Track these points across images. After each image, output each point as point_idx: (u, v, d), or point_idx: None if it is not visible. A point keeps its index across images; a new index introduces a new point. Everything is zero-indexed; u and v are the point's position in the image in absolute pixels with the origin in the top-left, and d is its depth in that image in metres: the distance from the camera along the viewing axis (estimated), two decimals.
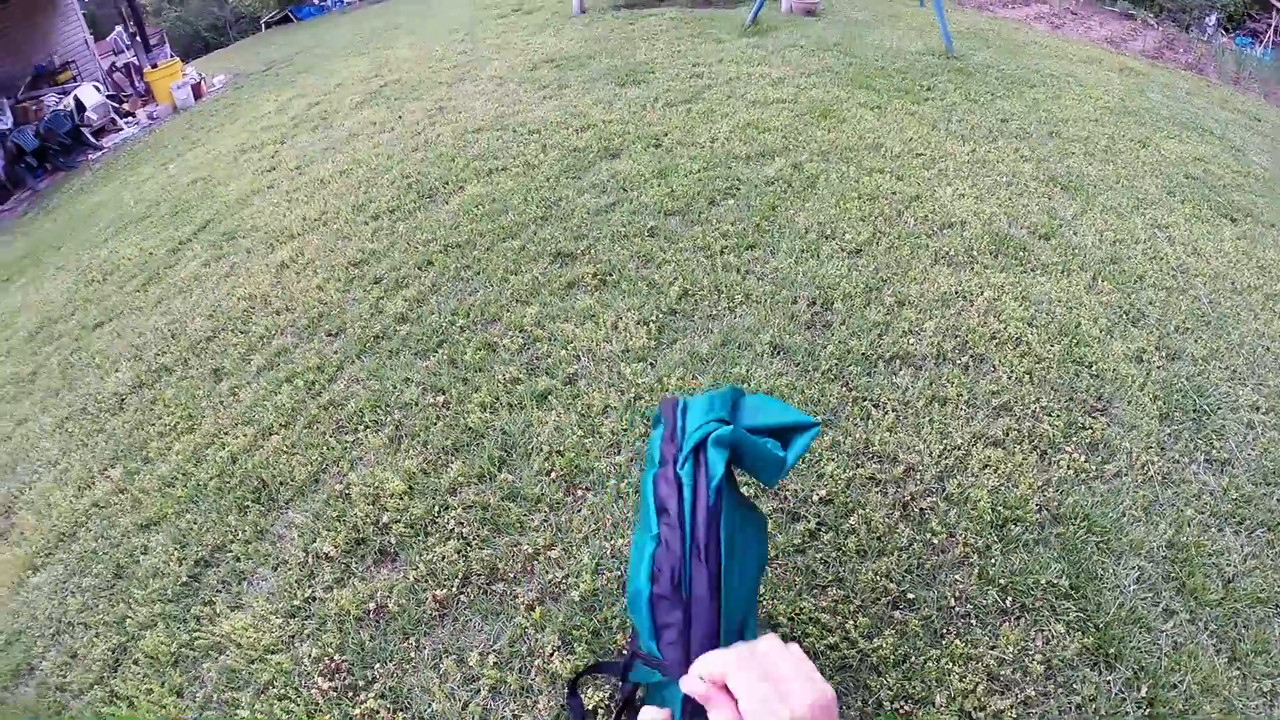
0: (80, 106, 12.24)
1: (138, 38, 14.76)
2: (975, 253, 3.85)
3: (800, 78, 6.31)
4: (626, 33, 8.39)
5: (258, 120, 8.57)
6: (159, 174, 8.25)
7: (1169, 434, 2.92)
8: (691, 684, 0.78)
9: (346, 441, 3.17)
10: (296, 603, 2.65)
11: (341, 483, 2.98)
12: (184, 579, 2.92)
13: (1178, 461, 2.81)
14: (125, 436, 3.87)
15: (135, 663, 2.71)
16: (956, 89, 6.42)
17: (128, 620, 2.87)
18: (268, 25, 25.89)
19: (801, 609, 2.22)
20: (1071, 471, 2.68)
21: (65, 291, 6.19)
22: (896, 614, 2.21)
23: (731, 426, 1.24)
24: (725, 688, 0.76)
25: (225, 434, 3.50)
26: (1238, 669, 2.16)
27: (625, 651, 1.69)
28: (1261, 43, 12.26)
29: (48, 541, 3.47)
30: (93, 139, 12.11)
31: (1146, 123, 6.49)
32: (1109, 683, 2.08)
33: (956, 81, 6.65)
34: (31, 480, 3.97)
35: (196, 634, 2.70)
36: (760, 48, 7.42)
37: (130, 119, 12.88)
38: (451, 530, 2.66)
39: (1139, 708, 2.03)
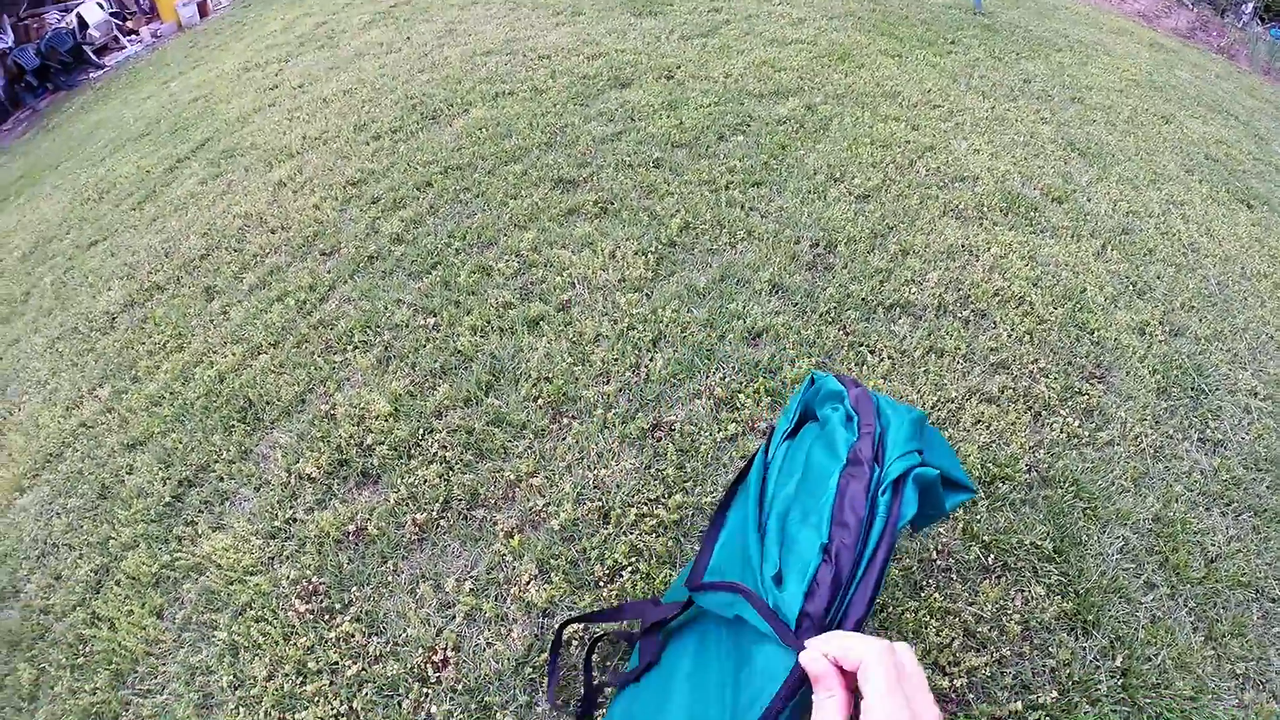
0: (83, 24, 11.97)
1: None
2: (985, 209, 3.77)
3: (821, 19, 6.14)
4: None
5: (263, 39, 8.38)
6: (160, 92, 8.10)
7: (1165, 409, 2.90)
8: (814, 658, 0.76)
9: (335, 361, 3.12)
10: (277, 524, 2.63)
11: (328, 403, 2.94)
12: (167, 499, 2.90)
13: (1171, 437, 2.79)
14: (115, 355, 3.82)
15: (117, 584, 2.71)
16: (981, 45, 6.26)
17: (111, 541, 2.86)
18: None
19: None
20: (1064, 435, 2.66)
21: (61, 211, 6.11)
22: None
23: (936, 471, 1.15)
24: (842, 671, 0.74)
25: (214, 353, 3.45)
26: (1213, 649, 2.16)
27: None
28: None
29: (35, 463, 3.44)
30: (95, 57, 11.87)
31: (1172, 99, 6.37)
32: (1085, 649, 2.08)
33: (982, 38, 6.49)
34: (21, 401, 3.93)
35: (178, 555, 2.69)
36: None
37: (134, 37, 12.62)
38: (435, 454, 2.62)
39: (1112, 676, 2.03)
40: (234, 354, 3.36)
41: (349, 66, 6.33)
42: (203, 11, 12.41)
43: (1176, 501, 2.52)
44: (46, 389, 3.90)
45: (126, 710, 2.35)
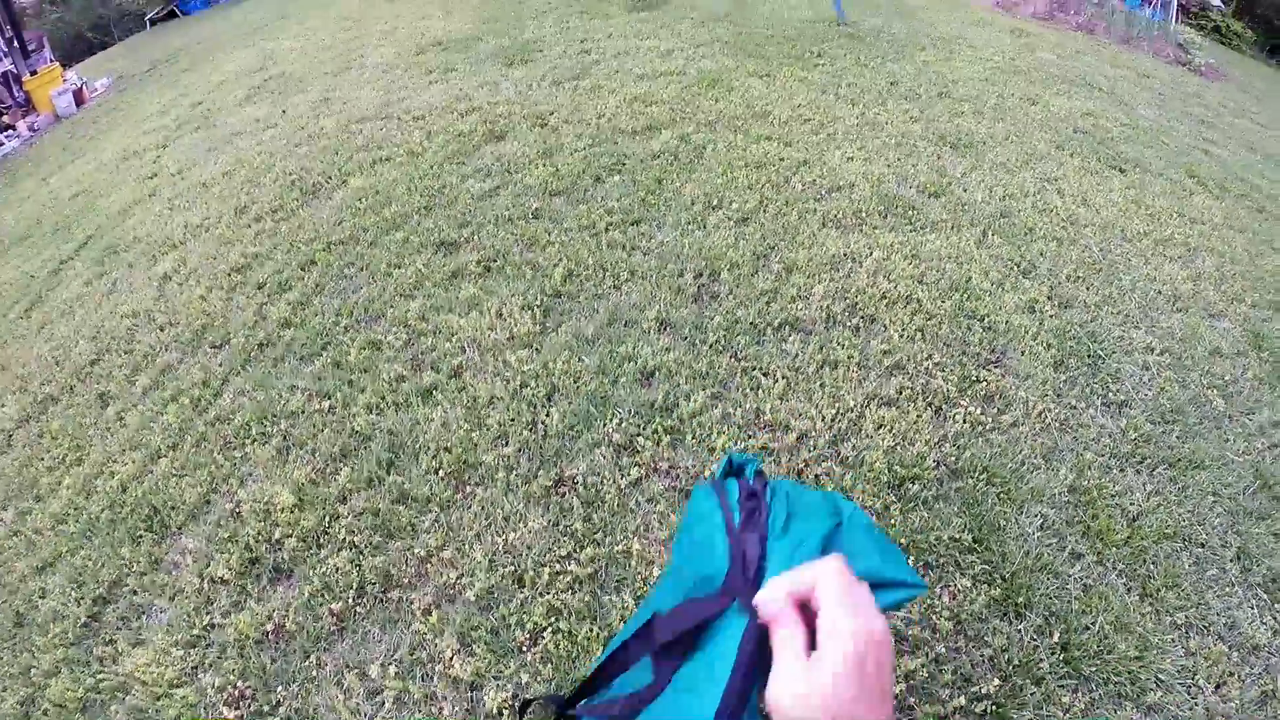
0: None
1: (15, 43, 13.99)
2: (864, 214, 3.89)
3: (689, 49, 6.30)
4: (516, 11, 8.26)
5: (140, 124, 8.23)
6: (39, 190, 7.88)
7: (1064, 380, 2.99)
8: (770, 598, 0.72)
9: (235, 457, 3.08)
10: (196, 632, 2.58)
11: (232, 501, 2.91)
12: (84, 620, 2.83)
13: (1075, 407, 2.88)
14: (15, 475, 3.71)
15: (44, 714, 2.63)
16: (847, 54, 6.47)
17: (32, 670, 2.78)
18: (153, 22, 24.79)
19: None
20: (968, 425, 2.72)
21: None
22: None
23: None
24: (801, 607, 0.71)
25: (114, 461, 3.38)
26: (1150, 605, 2.21)
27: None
28: (1151, 4, 12.57)
29: None
30: None
31: (1036, 81, 6.65)
32: (1020, 631, 2.12)
33: (847, 47, 6.70)
34: None
35: (101, 676, 2.62)
36: (649, 21, 7.38)
37: (10, 132, 12.22)
38: (344, 540, 2.61)
39: (1052, 653, 2.07)
40: (134, 461, 3.30)
41: (227, 147, 6.26)
42: (79, 100, 12.11)
43: (1089, 469, 2.60)
44: None
45: None
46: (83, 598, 2.89)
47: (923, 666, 2.02)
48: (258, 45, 10.60)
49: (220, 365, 3.60)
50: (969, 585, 2.21)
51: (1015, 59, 7.24)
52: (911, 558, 2.28)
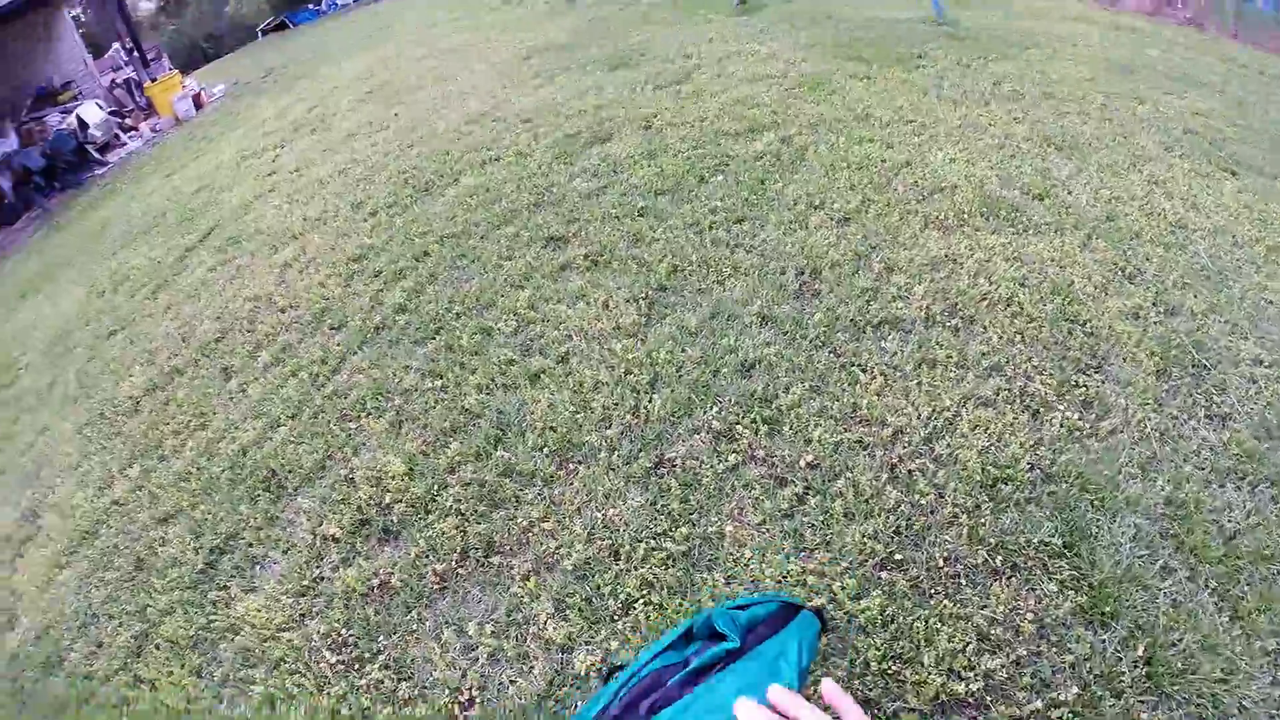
0: (83, 124, 12.40)
1: (135, 53, 14.91)
2: (966, 215, 3.84)
3: (790, 53, 6.32)
4: (618, 18, 8.43)
5: (258, 127, 8.67)
6: (164, 185, 8.37)
7: (1166, 390, 2.89)
8: (748, 709, 0.76)
9: (350, 429, 3.26)
10: (305, 583, 2.75)
11: (346, 468, 3.07)
12: (200, 566, 3.03)
13: (1176, 418, 2.77)
14: (141, 437, 3.98)
15: (156, 648, 2.84)
16: (947, 55, 6.36)
17: (148, 609, 3.00)
18: (264, 33, 26.03)
19: (788, 572, 2.27)
20: (1064, 430, 2.66)
21: (78, 304, 6.32)
22: (884, 575, 2.24)
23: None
24: None
25: (235, 428, 3.60)
26: (1240, 628, 2.11)
27: None
28: None
29: (72, 541, 3.59)
30: (98, 155, 12.28)
31: (1144, 80, 6.39)
32: (1104, 641, 2.06)
33: (947, 47, 6.59)
34: (55, 484, 4.08)
35: (213, 617, 2.82)
36: (750, 25, 7.43)
37: (134, 133, 13.05)
38: (450, 507, 2.74)
39: (1135, 666, 2.01)
40: (254, 428, 3.51)
41: (342, 147, 6.57)
42: (198, 104, 12.83)
43: (1188, 482, 2.50)
44: (78, 471, 4.06)
45: None
46: (200, 547, 3.11)
47: (1002, 667, 2.01)
48: (367, 53, 11.06)
49: (338, 345, 3.80)
50: (1055, 590, 2.17)
51: (1122, 57, 6.98)
52: (1000, 558, 2.26)
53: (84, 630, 3.13)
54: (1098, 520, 2.36)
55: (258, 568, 2.94)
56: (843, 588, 2.20)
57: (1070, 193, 4.18)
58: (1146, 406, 2.80)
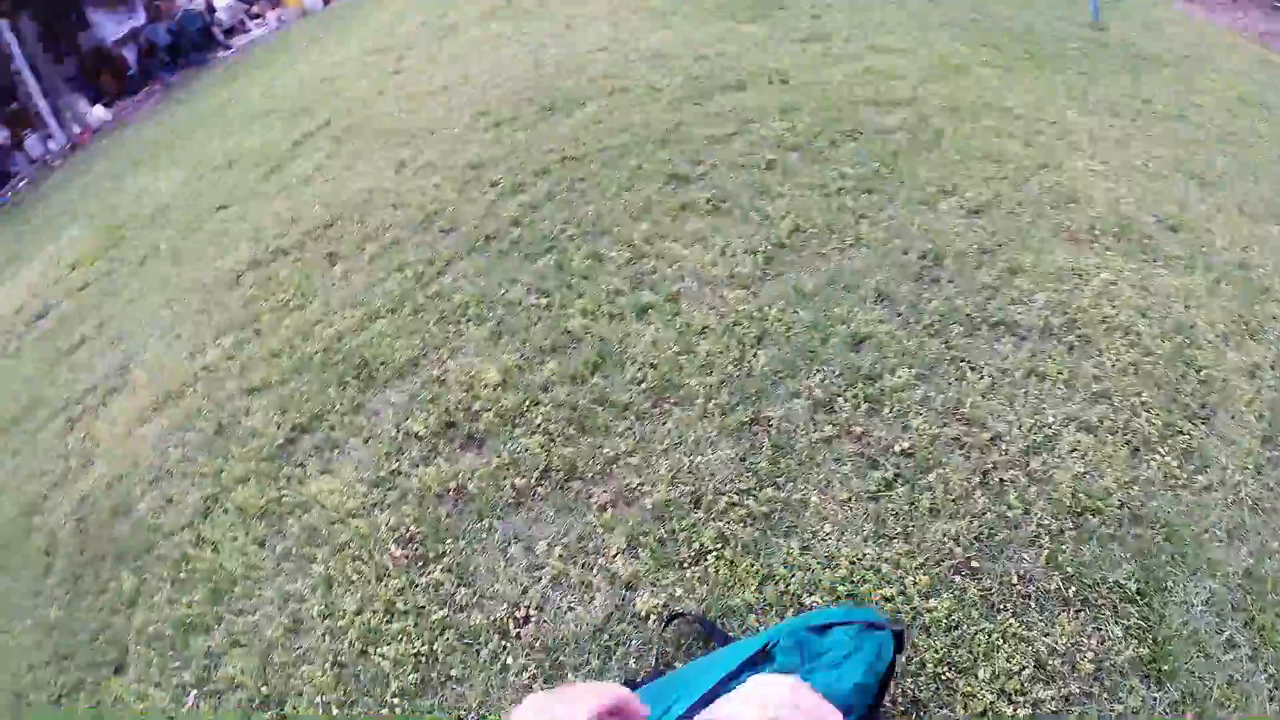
0: (211, 7, 12.70)
1: None
2: (1098, 232, 3.65)
3: (928, 29, 6.06)
4: None
5: (384, 26, 8.70)
6: (285, 73, 8.49)
7: (1269, 459, 2.69)
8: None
9: (449, 331, 3.29)
10: (382, 474, 2.81)
11: (439, 369, 3.11)
12: (280, 441, 3.11)
13: (1272, 490, 2.60)
14: (239, 309, 4.07)
15: (224, 512, 2.95)
16: (1097, 61, 6.01)
17: (223, 473, 3.11)
18: None
19: (864, 555, 2.23)
20: (1161, 474, 2.52)
21: (190, 177, 6.52)
22: (958, 579, 2.17)
23: None
24: None
25: (334, 314, 3.65)
26: None
27: None
28: None
29: (157, 398, 3.71)
30: (223, 38, 12.56)
31: None
32: (1156, 700, 1.97)
33: (1098, 54, 6.23)
34: (147, 343, 4.21)
35: (285, 492, 2.90)
36: None
37: (259, 20, 13.25)
38: (539, 425, 2.75)
39: None
40: (353, 316, 3.56)
41: (468, 56, 6.56)
42: None
43: (1271, 559, 2.35)
44: (172, 334, 4.18)
45: (219, 625, 2.58)
46: (283, 423, 3.19)
47: (1053, 700, 1.94)
48: None
49: (446, 248, 3.83)
50: (1120, 635, 2.08)
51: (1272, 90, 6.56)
52: (1073, 589, 2.17)
53: (156, 484, 3.27)
54: (1175, 575, 2.24)
55: (336, 452, 2.99)
56: (915, 583, 2.15)
57: (1207, 230, 3.93)
58: (1246, 470, 2.62)
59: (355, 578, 2.49)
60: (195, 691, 2.43)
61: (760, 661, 1.29)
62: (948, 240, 3.44)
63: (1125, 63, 6.08)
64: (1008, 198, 3.79)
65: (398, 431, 2.92)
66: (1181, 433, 2.67)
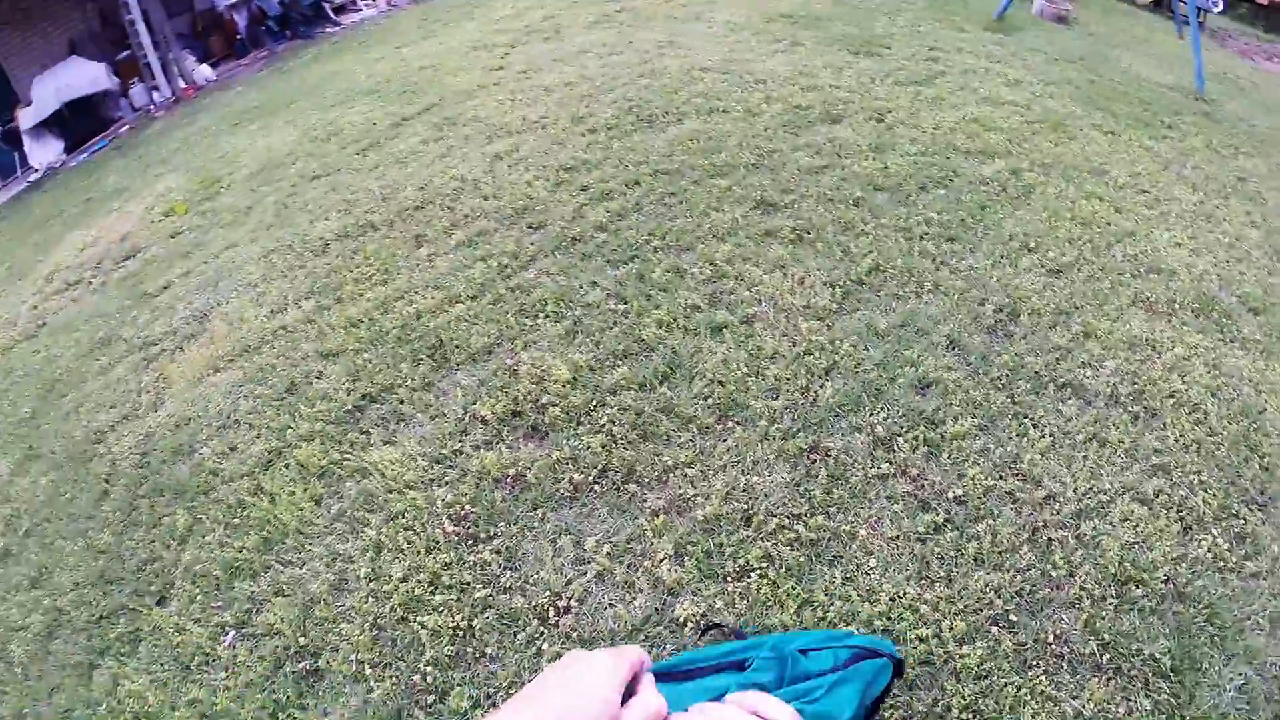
0: None
1: None
2: (1177, 306, 3.62)
3: (1038, 84, 6.03)
4: (869, 1, 8.16)
5: (492, 22, 8.87)
6: (392, 56, 8.72)
7: None
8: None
9: (525, 324, 3.39)
10: (444, 452, 2.91)
11: (513, 359, 3.20)
12: (349, 407, 3.23)
13: None
14: (323, 276, 4.22)
15: (286, 467, 3.08)
16: (1199, 133, 5.93)
17: (289, 430, 3.24)
18: None
19: (905, 593, 2.26)
20: (1210, 555, 2.50)
21: (289, 144, 6.71)
22: (994, 630, 2.19)
23: None
24: None
25: (415, 293, 3.76)
26: None
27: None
28: None
29: (233, 349, 3.87)
30: (332, 14, 12.93)
31: None
32: None
33: (1200, 125, 6.14)
34: (230, 296, 4.37)
35: (347, 456, 3.01)
36: (1002, 45, 7.09)
37: (370, 2, 13.61)
38: (603, 425, 2.83)
39: None
40: (433, 297, 3.67)
41: (571, 61, 6.67)
42: None
43: None
44: (255, 290, 4.34)
45: (265, 573, 2.69)
46: (353, 390, 3.31)
47: None
48: None
49: (532, 244, 3.94)
50: (1149, 708, 2.07)
51: None
52: (1107, 656, 2.16)
53: (222, 431, 3.41)
54: (1211, 656, 2.22)
55: (402, 424, 3.10)
56: (950, 628, 2.17)
57: None
58: None
59: (405, 547, 2.57)
60: (234, 633, 2.54)
61: (733, 669, 1.25)
62: (1024, 296, 3.45)
63: (1231, 140, 5.97)
64: (1090, 261, 3.78)
65: (464, 413, 3.02)
66: (1237, 516, 2.65)
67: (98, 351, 4.54)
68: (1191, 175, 5.10)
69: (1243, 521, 2.64)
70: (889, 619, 2.19)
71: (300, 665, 2.37)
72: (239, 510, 2.95)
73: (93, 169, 9.54)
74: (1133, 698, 2.10)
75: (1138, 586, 2.35)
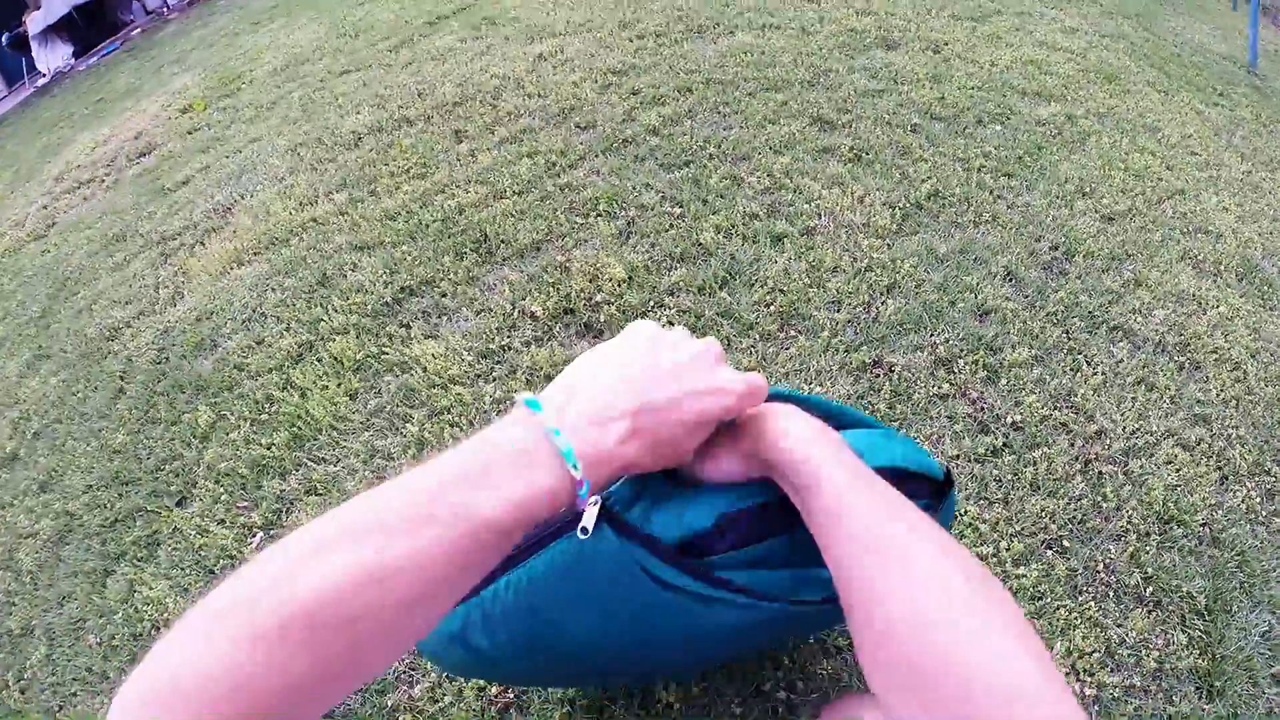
0: None
1: None
2: (1222, 268, 3.62)
3: (1094, 34, 5.91)
4: None
5: None
6: None
7: None
8: None
9: (576, 222, 3.30)
10: (492, 347, 2.82)
11: (564, 255, 3.11)
12: (387, 300, 3.13)
13: None
14: (356, 169, 4.10)
15: (318, 360, 2.95)
16: (1249, 105, 5.87)
17: (321, 323, 3.11)
18: None
19: (966, 510, 2.27)
20: (1244, 506, 2.55)
21: (315, 40, 6.52)
22: (1049, 554, 2.21)
23: None
24: None
25: (457, 186, 3.67)
26: None
27: None
28: None
29: (259, 242, 3.75)
30: None
31: None
32: (1205, 712, 2.01)
33: (1251, 98, 6.08)
34: (255, 189, 4.24)
35: (385, 349, 2.91)
36: None
37: None
38: (663, 327, 2.72)
39: None
40: (477, 192, 3.57)
41: None
42: None
43: None
44: (282, 183, 4.22)
45: (296, 470, 2.57)
46: (392, 282, 3.20)
47: (1116, 686, 1.98)
48: None
49: (581, 144, 3.83)
50: (1184, 643, 2.12)
51: None
52: (1150, 589, 2.20)
53: (247, 324, 3.29)
54: (1240, 601, 2.28)
55: (445, 318, 3.01)
56: (1008, 548, 2.19)
57: None
58: None
59: (451, 443, 2.48)
60: (261, 535, 2.43)
61: None
62: (1079, 239, 3.42)
63: (1278, 114, 5.91)
64: (1142, 213, 3.76)
65: (513, 309, 2.94)
66: (1268, 474, 2.69)
67: (112, 248, 4.43)
68: (1240, 145, 5.05)
69: (1273, 479, 2.69)
70: (954, 535, 2.16)
71: None
72: (266, 406, 2.84)
73: (103, 72, 9.30)
74: (1170, 631, 2.14)
75: (1179, 526, 2.39)
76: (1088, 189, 3.79)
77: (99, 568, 2.56)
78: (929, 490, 1.03)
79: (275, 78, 6.02)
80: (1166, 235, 3.66)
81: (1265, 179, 4.73)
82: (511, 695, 1.98)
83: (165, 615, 2.29)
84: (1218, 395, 2.92)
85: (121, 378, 3.31)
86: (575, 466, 0.67)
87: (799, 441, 0.78)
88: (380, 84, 5.09)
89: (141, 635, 2.30)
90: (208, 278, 3.68)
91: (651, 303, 2.86)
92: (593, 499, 0.88)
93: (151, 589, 2.38)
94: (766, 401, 0.87)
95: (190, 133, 5.57)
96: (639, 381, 0.73)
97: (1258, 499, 2.60)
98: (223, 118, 5.64)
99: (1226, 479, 2.64)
